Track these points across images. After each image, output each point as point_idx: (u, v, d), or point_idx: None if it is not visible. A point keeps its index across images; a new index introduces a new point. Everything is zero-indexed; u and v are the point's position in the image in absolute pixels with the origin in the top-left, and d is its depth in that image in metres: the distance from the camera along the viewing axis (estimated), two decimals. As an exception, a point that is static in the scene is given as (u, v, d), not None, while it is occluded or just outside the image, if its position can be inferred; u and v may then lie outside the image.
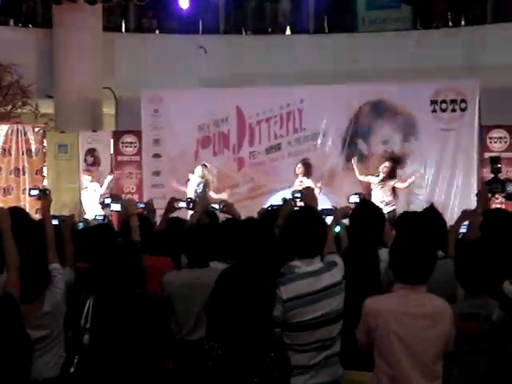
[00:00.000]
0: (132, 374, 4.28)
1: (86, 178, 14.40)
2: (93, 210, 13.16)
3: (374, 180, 13.47)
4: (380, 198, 13.16)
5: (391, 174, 13.51)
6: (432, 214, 5.59)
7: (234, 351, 3.78)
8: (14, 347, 4.12)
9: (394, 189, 13.52)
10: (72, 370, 4.44)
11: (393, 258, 4.20)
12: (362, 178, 13.64)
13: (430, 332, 4.05)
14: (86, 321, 4.42)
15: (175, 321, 5.43)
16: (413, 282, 4.10)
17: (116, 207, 7.32)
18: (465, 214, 6.08)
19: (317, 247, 4.47)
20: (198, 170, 13.72)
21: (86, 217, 12.90)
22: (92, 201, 13.93)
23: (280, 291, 4.27)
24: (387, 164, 13.50)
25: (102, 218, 8.58)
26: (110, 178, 14.51)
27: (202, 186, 13.47)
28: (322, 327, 4.32)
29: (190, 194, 13.17)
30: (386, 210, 12.31)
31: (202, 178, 13.61)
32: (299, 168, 13.79)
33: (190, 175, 13.73)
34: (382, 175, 13.40)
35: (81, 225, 8.32)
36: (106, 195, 12.98)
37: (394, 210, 12.88)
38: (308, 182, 13.13)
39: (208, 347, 3.86)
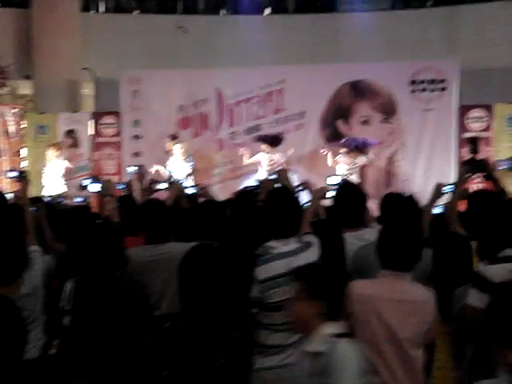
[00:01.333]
0: (113, 354, 4.29)
1: (51, 153, 13.75)
2: (54, 187, 12.97)
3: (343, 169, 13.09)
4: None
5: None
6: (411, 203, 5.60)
7: (200, 331, 3.81)
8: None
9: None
10: (53, 351, 4.44)
11: (380, 244, 4.21)
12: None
13: (411, 319, 4.07)
14: (67, 303, 4.41)
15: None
16: (399, 269, 4.12)
17: (95, 188, 7.27)
18: (438, 189, 6.02)
19: (293, 227, 4.49)
20: (177, 147, 13.28)
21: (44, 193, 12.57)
22: (55, 176, 13.61)
23: (256, 272, 4.30)
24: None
25: (81, 199, 8.48)
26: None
27: (190, 162, 13.14)
28: None
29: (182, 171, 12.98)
30: None
31: (183, 154, 13.18)
32: (266, 149, 13.34)
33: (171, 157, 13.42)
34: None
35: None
36: (85, 177, 12.93)
37: None
38: (276, 157, 13.13)
39: (174, 327, 3.88)
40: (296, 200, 4.62)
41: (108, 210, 5.91)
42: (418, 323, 4.10)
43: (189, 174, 12.85)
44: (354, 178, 12.65)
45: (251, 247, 4.59)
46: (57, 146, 13.89)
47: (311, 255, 4.46)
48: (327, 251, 4.63)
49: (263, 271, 4.32)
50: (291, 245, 4.44)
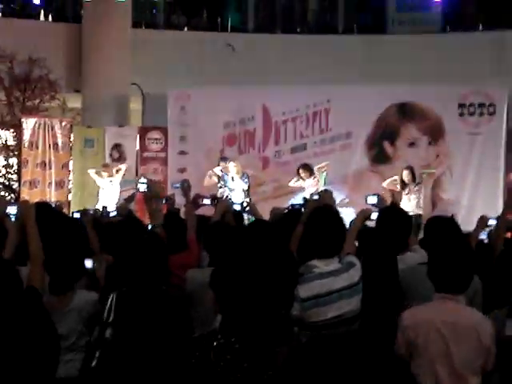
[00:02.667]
0: (153, 369, 4.27)
1: (103, 175, 13.95)
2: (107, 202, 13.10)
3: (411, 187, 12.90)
4: (417, 203, 12.89)
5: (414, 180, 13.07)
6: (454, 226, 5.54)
7: (250, 345, 3.79)
8: (41, 341, 4.09)
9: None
10: (94, 363, 4.45)
11: (432, 267, 4.15)
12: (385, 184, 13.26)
13: (467, 343, 3.97)
14: (109, 315, 4.43)
15: (196, 318, 5.39)
16: (452, 291, 4.05)
17: (142, 187, 7.30)
18: (483, 222, 5.98)
19: (335, 247, 4.47)
20: (232, 166, 13.28)
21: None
22: (110, 195, 13.76)
23: (298, 290, 4.29)
24: (406, 173, 12.96)
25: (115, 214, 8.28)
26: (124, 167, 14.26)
27: (245, 178, 13.24)
28: (338, 327, 4.32)
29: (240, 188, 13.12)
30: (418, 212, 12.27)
31: (238, 172, 13.30)
32: (303, 173, 13.15)
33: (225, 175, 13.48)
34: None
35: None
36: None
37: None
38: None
39: (224, 341, 3.85)
40: (339, 220, 4.60)
41: (153, 210, 5.96)
42: (475, 348, 3.98)
43: (245, 191, 12.96)
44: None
45: (295, 265, 4.58)
46: (107, 166, 14.03)
47: (353, 276, 4.43)
48: (380, 274, 4.60)
49: (305, 290, 4.30)
50: (333, 265, 4.42)
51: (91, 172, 14.08)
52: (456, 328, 3.98)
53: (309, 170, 13.17)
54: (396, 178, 13.01)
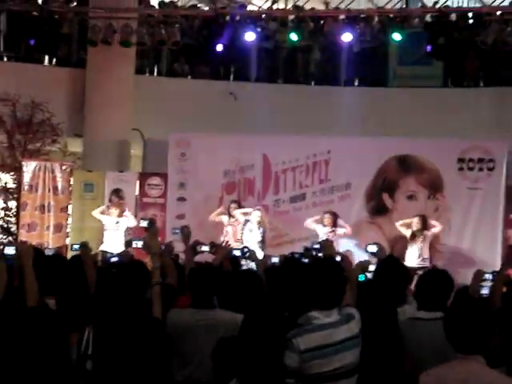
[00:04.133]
0: None
1: (112, 213, 13.85)
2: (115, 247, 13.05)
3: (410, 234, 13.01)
4: (419, 253, 12.88)
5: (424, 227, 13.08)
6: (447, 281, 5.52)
7: None
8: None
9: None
10: None
11: (448, 328, 4.01)
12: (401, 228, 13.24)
13: None
14: (87, 347, 4.42)
15: (178, 360, 5.33)
16: (466, 352, 3.92)
17: (138, 244, 7.28)
18: (479, 276, 5.94)
19: (335, 298, 4.45)
20: (255, 214, 13.48)
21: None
22: (115, 238, 13.65)
23: (297, 342, 4.26)
24: (417, 220, 13.08)
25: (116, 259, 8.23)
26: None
27: (261, 230, 13.39)
28: (338, 380, 4.29)
29: (251, 240, 13.18)
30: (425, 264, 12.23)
31: (259, 223, 13.45)
32: (327, 219, 13.31)
33: (248, 223, 13.58)
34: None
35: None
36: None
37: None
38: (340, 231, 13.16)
39: None
40: (340, 271, 4.59)
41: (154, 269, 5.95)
42: None
43: (260, 242, 13.09)
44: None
45: (288, 315, 4.57)
46: (119, 205, 13.99)
47: (352, 328, 4.42)
48: (380, 326, 4.58)
49: (304, 342, 4.26)
50: (333, 316, 4.40)
51: (96, 213, 13.97)
52: None
53: (334, 219, 13.19)
54: (412, 220, 13.01)
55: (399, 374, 4.70)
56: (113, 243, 13.28)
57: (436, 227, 13.08)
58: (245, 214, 13.58)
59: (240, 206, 13.75)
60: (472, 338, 3.93)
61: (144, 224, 7.04)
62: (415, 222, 12.95)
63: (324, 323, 4.35)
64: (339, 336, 4.33)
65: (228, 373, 4.26)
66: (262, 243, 13.21)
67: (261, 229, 13.34)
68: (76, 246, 6.34)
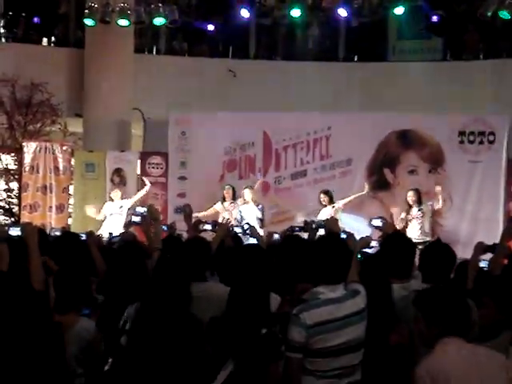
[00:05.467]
0: (163, 379, 4.29)
1: (115, 195, 13.96)
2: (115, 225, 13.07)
3: (414, 212, 12.84)
4: (420, 227, 12.80)
5: (419, 202, 12.98)
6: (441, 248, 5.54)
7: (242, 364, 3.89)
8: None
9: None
10: (106, 368, 4.49)
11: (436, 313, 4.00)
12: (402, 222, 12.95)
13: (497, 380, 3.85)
14: (125, 324, 4.52)
15: None
16: (457, 334, 3.91)
17: (140, 210, 7.28)
18: (479, 249, 5.89)
19: (341, 274, 4.49)
20: (247, 192, 13.35)
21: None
22: (118, 221, 13.66)
23: (304, 316, 4.29)
24: (411, 194, 13.02)
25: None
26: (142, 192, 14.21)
27: (260, 206, 13.28)
28: (344, 355, 4.34)
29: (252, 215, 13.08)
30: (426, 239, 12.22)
31: (254, 200, 13.37)
32: (323, 199, 13.24)
33: (240, 203, 13.49)
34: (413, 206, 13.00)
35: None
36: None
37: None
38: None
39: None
40: (345, 246, 4.62)
41: (152, 233, 6.00)
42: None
43: (259, 219, 13.01)
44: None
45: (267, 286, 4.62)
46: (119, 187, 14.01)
47: (358, 303, 4.45)
48: (375, 300, 4.60)
49: (311, 317, 4.29)
50: (339, 291, 4.43)
51: (92, 212, 14.01)
52: (481, 371, 3.83)
53: (330, 196, 13.18)
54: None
55: (382, 348, 4.72)
56: (119, 227, 13.28)
57: (437, 203, 13.00)
58: (232, 203, 13.46)
59: (234, 192, 13.57)
60: (464, 320, 3.95)
61: (136, 219, 6.99)
62: (410, 196, 12.90)
63: (329, 298, 4.38)
64: (345, 311, 4.36)
65: (223, 352, 4.31)
66: (261, 221, 13.13)
67: (260, 205, 13.27)
68: (82, 236, 6.36)
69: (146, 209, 7.10)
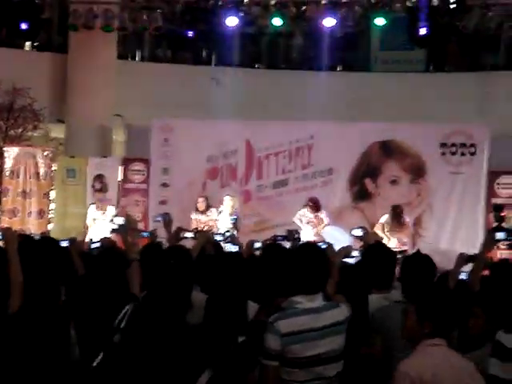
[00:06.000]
0: (153, 377, 4.31)
1: (92, 208, 13.87)
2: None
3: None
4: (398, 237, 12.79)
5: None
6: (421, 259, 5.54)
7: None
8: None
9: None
10: (95, 364, 4.55)
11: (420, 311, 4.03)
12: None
13: None
14: (120, 322, 4.51)
15: None
16: (440, 336, 3.95)
17: (118, 221, 7.25)
18: (461, 259, 5.92)
19: (319, 283, 4.47)
20: (227, 200, 13.50)
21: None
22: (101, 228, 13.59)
23: (278, 325, 4.29)
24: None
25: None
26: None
27: (234, 216, 13.35)
28: (321, 365, 4.32)
29: (225, 224, 13.12)
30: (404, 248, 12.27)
31: (233, 208, 13.42)
32: (310, 205, 13.27)
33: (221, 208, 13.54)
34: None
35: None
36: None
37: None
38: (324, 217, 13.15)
39: None
40: (323, 256, 4.62)
41: (128, 243, 5.99)
42: None
43: (233, 227, 12.98)
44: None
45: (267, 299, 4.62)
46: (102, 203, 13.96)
47: (337, 315, 4.44)
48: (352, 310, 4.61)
49: (285, 325, 4.29)
50: (318, 301, 4.42)
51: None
52: (461, 376, 3.88)
53: (317, 205, 13.18)
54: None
55: (354, 359, 4.74)
56: (102, 232, 13.23)
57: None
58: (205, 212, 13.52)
59: (208, 203, 13.63)
60: (445, 323, 3.98)
61: (115, 228, 6.96)
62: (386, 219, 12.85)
63: (307, 308, 4.37)
64: (323, 321, 4.35)
65: (200, 362, 4.31)
66: (235, 229, 13.09)
67: (235, 215, 13.27)
68: (64, 243, 6.32)
69: (123, 218, 7.10)
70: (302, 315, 4.35)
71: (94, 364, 4.55)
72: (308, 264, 4.45)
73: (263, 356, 4.29)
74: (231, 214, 13.28)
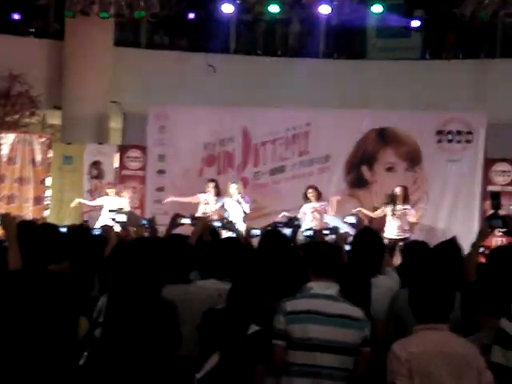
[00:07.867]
0: (140, 368, 4.34)
1: (110, 191, 13.77)
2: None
3: (398, 208, 12.74)
4: (399, 224, 12.73)
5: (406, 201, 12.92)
6: (452, 247, 5.55)
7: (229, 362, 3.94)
8: None
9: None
10: (82, 362, 4.54)
11: (413, 297, 4.13)
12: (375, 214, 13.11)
13: (465, 374, 3.94)
14: (99, 316, 4.52)
15: None
16: (436, 321, 4.02)
17: (121, 218, 7.27)
18: (485, 230, 5.95)
19: (333, 270, 4.56)
20: (233, 188, 13.09)
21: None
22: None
23: (285, 304, 4.41)
24: (399, 190, 12.85)
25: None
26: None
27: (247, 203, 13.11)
28: (323, 352, 4.37)
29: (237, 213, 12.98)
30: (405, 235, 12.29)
31: (239, 193, 13.22)
32: (310, 193, 13.14)
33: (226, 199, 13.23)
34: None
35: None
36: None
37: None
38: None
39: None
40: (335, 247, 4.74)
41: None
42: (474, 378, 3.94)
43: (246, 214, 12.93)
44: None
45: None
46: (113, 185, 13.96)
47: (352, 310, 4.50)
48: (353, 295, 4.64)
49: (291, 304, 4.42)
50: (333, 290, 4.50)
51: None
52: (452, 359, 3.94)
53: (319, 192, 13.15)
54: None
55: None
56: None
57: (412, 215, 12.99)
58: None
59: (217, 186, 13.37)
60: (441, 306, 4.02)
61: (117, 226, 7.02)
62: (398, 192, 12.81)
63: (319, 293, 4.47)
64: (334, 310, 4.42)
65: (213, 346, 4.36)
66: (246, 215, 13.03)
67: (246, 197, 13.11)
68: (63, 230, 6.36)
69: (126, 216, 7.14)
70: (311, 298, 4.46)
71: (81, 362, 4.53)
72: (322, 251, 4.62)
73: (272, 336, 4.39)
74: (240, 200, 13.00)
